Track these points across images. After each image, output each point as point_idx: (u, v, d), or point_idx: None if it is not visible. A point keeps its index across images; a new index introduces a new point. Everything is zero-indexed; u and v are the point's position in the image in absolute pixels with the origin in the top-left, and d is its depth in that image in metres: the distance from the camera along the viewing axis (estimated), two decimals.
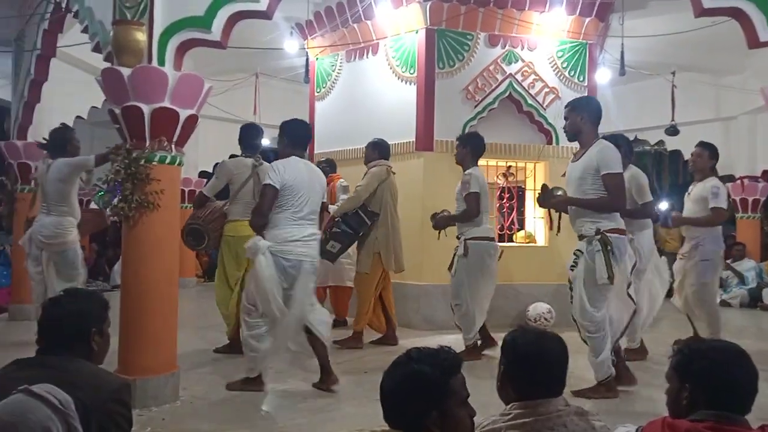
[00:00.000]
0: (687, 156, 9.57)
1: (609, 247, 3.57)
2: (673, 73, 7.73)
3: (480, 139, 4.90)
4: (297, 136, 3.89)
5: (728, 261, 8.43)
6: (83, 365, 1.84)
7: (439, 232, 4.94)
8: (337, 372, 4.02)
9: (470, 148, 4.79)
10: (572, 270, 3.74)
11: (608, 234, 3.61)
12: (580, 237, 3.73)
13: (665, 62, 7.62)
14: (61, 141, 4.70)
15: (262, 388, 3.77)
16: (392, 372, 1.56)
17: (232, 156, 5.53)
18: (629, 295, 3.85)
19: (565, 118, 3.88)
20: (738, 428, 1.60)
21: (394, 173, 5.24)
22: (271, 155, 5.34)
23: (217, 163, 5.38)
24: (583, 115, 3.82)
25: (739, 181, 8.78)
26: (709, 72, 8.23)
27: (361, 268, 5.10)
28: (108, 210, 3.96)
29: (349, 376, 4.16)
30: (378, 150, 5.24)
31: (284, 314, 3.64)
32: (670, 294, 7.79)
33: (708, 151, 5.09)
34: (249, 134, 4.89)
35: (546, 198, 4.21)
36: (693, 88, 8.19)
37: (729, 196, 5.97)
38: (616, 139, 4.79)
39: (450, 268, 4.76)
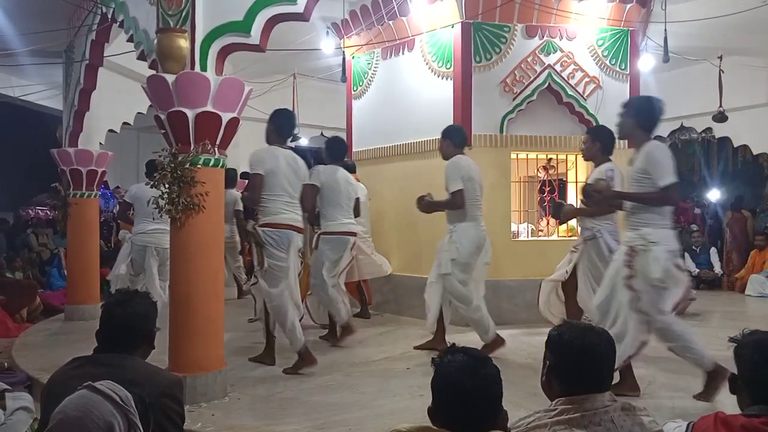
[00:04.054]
0: (736, 143, 9.32)
1: (256, 239, 4.16)
2: (720, 58, 7.47)
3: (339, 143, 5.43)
4: None
5: None
6: (138, 363, 1.92)
7: None
8: (379, 369, 4.08)
9: (327, 151, 5.30)
10: None
11: (260, 227, 4.19)
12: None
13: (711, 46, 7.35)
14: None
15: None
16: (472, 375, 1.51)
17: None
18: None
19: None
20: None
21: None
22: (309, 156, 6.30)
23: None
24: (271, 126, 4.36)
25: None
26: (759, 55, 7.91)
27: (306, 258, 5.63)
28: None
29: (393, 372, 4.20)
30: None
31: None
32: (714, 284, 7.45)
33: (590, 135, 4.59)
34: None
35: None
36: (741, 72, 7.88)
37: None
38: None
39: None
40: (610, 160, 4.41)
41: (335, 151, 5.28)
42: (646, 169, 3.49)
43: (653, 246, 3.40)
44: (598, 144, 4.45)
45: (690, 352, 3.48)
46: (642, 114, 3.65)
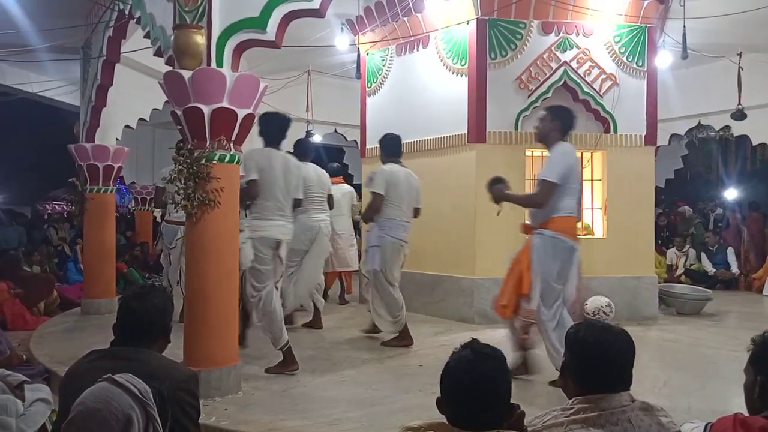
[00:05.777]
0: (755, 141, 9.19)
1: None
2: (740, 54, 7.33)
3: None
4: None
5: None
6: (155, 356, 1.94)
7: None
8: (392, 365, 4.07)
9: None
10: None
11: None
12: None
13: (730, 43, 7.23)
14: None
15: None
16: (470, 371, 1.49)
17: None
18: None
19: None
20: None
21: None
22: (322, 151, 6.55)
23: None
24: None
25: None
26: None
27: None
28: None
29: (405, 369, 4.20)
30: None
31: None
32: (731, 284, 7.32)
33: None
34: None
35: None
36: (761, 70, 7.75)
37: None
38: None
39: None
40: (396, 162, 5.01)
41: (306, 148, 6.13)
42: None
43: (241, 233, 3.97)
44: (379, 150, 5.18)
45: (271, 331, 4.11)
46: (263, 126, 4.24)
